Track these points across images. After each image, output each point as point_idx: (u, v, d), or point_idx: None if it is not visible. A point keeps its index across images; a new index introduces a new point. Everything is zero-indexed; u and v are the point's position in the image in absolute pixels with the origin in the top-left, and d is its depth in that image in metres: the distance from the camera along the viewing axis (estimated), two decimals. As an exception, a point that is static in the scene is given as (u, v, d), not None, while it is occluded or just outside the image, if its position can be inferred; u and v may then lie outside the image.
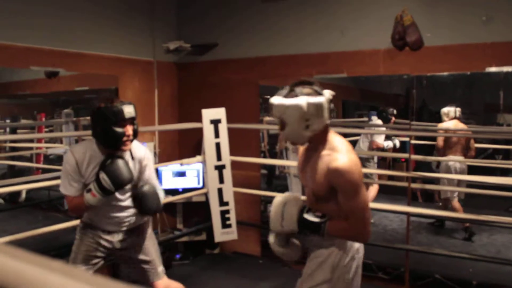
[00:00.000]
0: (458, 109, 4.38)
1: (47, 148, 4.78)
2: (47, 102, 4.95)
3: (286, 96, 1.79)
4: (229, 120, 3.64)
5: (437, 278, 3.39)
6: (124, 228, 2.45)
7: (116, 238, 2.44)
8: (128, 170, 2.23)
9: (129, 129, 2.23)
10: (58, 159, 4.38)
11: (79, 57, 3.71)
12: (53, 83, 4.14)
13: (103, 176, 2.17)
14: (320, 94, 1.80)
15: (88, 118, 4.38)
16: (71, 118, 3.95)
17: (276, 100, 1.80)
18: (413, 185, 3.68)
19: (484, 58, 3.20)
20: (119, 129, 2.19)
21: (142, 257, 2.50)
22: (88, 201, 2.21)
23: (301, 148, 2.06)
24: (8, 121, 4.47)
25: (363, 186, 1.78)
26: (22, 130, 4.82)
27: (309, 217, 1.85)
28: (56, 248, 3.70)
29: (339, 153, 1.78)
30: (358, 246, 1.93)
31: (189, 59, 4.61)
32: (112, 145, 2.23)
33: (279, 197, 1.95)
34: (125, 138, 2.22)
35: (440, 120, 4.55)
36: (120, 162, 2.21)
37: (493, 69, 3.19)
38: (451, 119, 4.48)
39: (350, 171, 1.72)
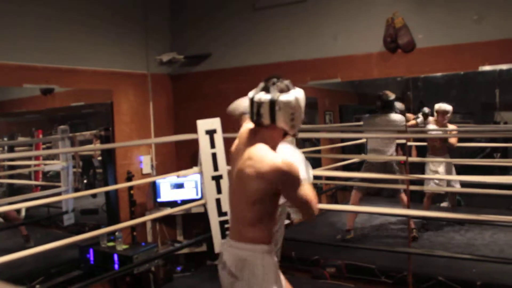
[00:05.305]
0: None
1: (44, 165, 4.77)
2: (45, 118, 4.95)
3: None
4: (225, 130, 3.63)
5: (441, 280, 3.36)
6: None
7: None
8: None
9: None
10: (57, 176, 4.37)
11: (73, 73, 3.72)
12: (49, 100, 4.15)
13: None
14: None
15: (84, 133, 4.42)
16: (67, 134, 3.94)
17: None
18: (412, 187, 3.66)
19: (476, 57, 3.20)
20: None
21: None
22: None
23: None
24: (5, 139, 4.47)
25: None
26: (19, 147, 4.82)
27: None
28: (57, 265, 3.68)
29: None
30: None
31: (183, 70, 4.62)
32: None
33: None
34: None
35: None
36: None
37: (486, 67, 3.19)
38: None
39: None
